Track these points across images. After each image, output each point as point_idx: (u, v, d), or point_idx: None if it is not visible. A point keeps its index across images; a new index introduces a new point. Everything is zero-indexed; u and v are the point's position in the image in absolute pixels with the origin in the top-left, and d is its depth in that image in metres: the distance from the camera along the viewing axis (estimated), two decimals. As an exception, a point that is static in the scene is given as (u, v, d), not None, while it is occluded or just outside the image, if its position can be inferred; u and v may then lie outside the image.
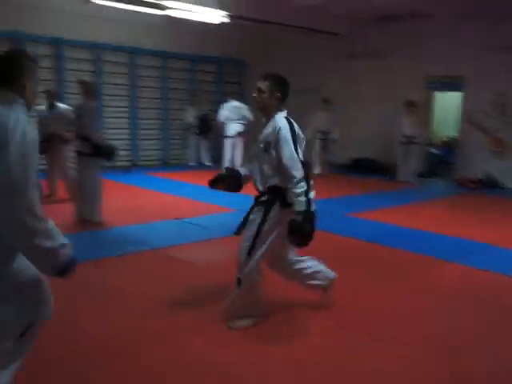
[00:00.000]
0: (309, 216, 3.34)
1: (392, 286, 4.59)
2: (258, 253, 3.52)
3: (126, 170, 11.19)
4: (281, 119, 3.47)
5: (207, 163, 12.59)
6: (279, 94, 3.54)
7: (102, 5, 9.39)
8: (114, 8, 9.70)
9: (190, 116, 12.44)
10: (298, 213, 3.33)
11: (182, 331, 3.54)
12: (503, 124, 10.89)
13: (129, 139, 12.01)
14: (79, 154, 6.44)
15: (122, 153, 10.56)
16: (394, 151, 11.52)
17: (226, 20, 10.50)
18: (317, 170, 11.56)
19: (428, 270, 5.17)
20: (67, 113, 7.34)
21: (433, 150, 13.24)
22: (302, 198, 3.33)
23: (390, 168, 11.93)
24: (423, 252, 5.67)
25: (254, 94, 3.58)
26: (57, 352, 3.19)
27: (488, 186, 10.73)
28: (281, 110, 3.53)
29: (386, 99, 12.52)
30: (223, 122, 11.11)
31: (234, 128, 11.07)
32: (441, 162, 13.31)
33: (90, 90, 6.47)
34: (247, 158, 3.91)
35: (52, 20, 10.42)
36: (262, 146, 3.50)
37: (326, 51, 13.38)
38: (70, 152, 7.08)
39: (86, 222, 6.38)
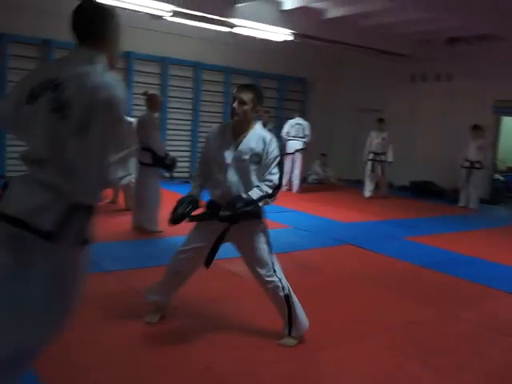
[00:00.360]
0: (254, 207, 3.35)
1: (447, 317, 4.43)
2: (277, 265, 3.57)
3: (186, 181, 11.42)
4: (263, 130, 3.47)
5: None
6: (259, 107, 3.45)
7: (170, 21, 9.70)
8: (182, 24, 10.00)
9: None
10: (248, 198, 3.33)
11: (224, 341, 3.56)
12: None
13: (189, 151, 12.26)
14: (140, 163, 6.61)
15: (181, 164, 10.84)
16: (457, 175, 11.20)
17: (290, 38, 10.60)
18: (367, 194, 11.24)
19: (489, 301, 4.97)
20: (130, 124, 7.62)
21: (497, 176, 12.79)
22: (260, 194, 3.34)
23: (451, 192, 11.62)
24: (482, 282, 5.46)
25: (234, 105, 3.35)
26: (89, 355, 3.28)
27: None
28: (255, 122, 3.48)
29: (450, 122, 12.25)
30: (285, 139, 11.20)
31: (292, 145, 11.14)
32: (506, 188, 12.84)
33: (152, 103, 6.67)
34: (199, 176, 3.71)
35: (123, 34, 10.82)
36: (246, 157, 3.36)
37: (391, 72, 13.24)
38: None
39: (143, 231, 6.53)
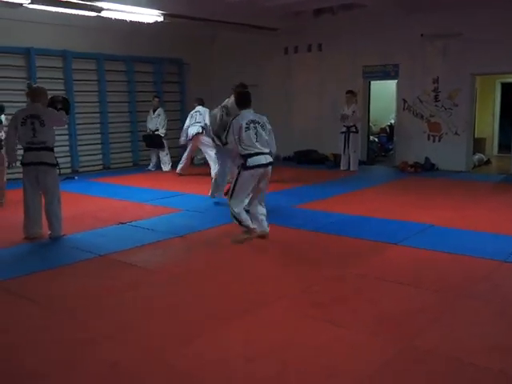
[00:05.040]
0: None
1: (342, 274, 4.69)
2: None
3: (69, 177, 10.92)
4: None
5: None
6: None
7: (34, 9, 9.13)
8: (46, 11, 9.44)
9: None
10: None
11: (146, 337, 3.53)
12: (437, 109, 11.33)
13: (68, 145, 11.70)
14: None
15: (62, 160, 10.35)
16: (336, 141, 11.74)
17: (160, 19, 10.41)
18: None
19: (377, 254, 5.31)
20: None
21: (373, 138, 13.60)
22: None
23: (333, 157, 12.17)
24: (370, 237, 5.83)
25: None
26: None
27: (425, 169, 11.15)
28: None
29: (324, 90, 12.77)
30: (185, 129, 10.88)
31: (190, 131, 10.79)
32: (380, 149, 13.72)
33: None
34: None
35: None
36: None
37: (265, 46, 13.50)
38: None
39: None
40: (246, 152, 5.70)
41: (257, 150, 5.71)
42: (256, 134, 5.74)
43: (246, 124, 5.73)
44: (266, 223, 5.95)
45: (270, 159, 5.83)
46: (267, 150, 5.82)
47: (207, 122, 10.39)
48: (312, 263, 5.03)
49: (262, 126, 5.84)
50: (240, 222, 5.89)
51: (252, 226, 5.86)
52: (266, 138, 5.86)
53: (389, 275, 4.62)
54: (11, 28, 10.36)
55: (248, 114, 5.86)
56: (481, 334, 3.45)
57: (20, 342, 3.43)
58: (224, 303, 4.02)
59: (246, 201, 5.95)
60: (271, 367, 3.05)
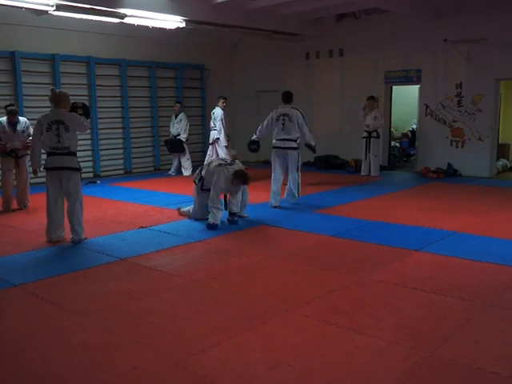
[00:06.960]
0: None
1: (362, 281, 4.65)
2: None
3: (91, 181, 11.04)
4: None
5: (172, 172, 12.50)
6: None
7: (57, 15, 9.28)
8: (70, 18, 9.60)
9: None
10: None
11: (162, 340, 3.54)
12: (460, 114, 11.20)
13: (91, 150, 11.84)
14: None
15: (85, 164, 10.48)
16: (358, 146, 11.68)
17: (182, 25, 10.49)
18: None
19: (397, 260, 5.25)
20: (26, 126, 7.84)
21: (394, 143, 13.50)
22: None
23: (354, 163, 12.10)
24: (389, 243, 5.77)
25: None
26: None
27: (448, 174, 11.01)
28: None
29: (346, 96, 12.74)
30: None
31: (211, 135, 10.83)
32: (402, 154, 13.60)
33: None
34: None
35: (8, 34, 10.23)
36: None
37: (286, 51, 13.53)
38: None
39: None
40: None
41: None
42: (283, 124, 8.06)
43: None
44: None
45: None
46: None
47: (216, 127, 10.51)
48: (332, 269, 5.00)
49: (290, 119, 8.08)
50: None
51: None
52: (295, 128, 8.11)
53: (410, 282, 4.57)
54: (36, 35, 10.57)
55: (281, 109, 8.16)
56: (505, 343, 3.38)
57: (43, 345, 3.47)
58: (245, 309, 4.02)
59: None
60: (294, 373, 3.02)
